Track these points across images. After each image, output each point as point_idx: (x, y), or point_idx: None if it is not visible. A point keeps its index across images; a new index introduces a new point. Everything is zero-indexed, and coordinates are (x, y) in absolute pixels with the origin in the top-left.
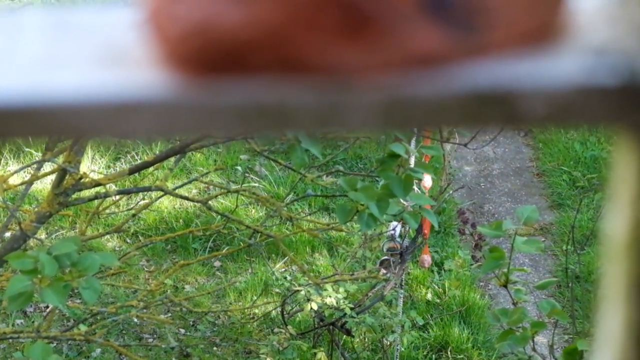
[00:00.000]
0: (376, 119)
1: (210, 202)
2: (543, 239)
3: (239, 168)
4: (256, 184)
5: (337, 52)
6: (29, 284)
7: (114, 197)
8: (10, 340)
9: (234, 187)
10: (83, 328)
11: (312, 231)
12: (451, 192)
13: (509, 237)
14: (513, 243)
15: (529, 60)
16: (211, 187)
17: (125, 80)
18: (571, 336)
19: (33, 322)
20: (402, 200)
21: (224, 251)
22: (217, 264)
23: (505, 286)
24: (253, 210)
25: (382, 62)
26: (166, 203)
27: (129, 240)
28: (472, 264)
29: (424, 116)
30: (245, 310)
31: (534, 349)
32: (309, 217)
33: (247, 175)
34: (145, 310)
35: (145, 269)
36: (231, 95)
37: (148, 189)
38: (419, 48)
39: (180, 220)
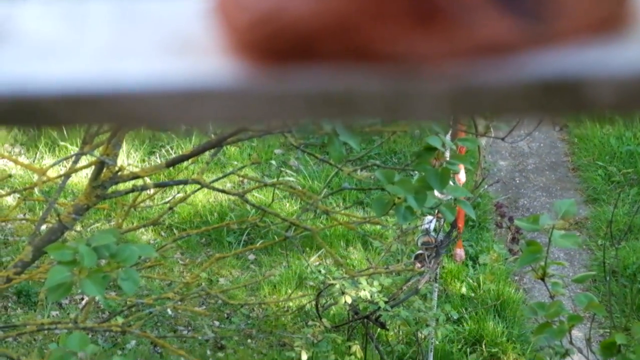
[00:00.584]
0: (444, 107)
1: (245, 195)
2: (578, 234)
3: (274, 162)
4: (291, 178)
5: (406, 41)
6: (69, 275)
7: (150, 191)
8: (46, 332)
9: (268, 181)
10: (120, 320)
11: (348, 224)
12: (486, 186)
13: (544, 232)
14: (550, 237)
15: (596, 49)
16: (246, 181)
17: (192, 69)
18: (607, 330)
19: (68, 313)
20: (437, 194)
21: (259, 244)
22: (251, 257)
23: (542, 279)
24: (287, 204)
25: (451, 51)
26: (201, 197)
27: (163, 234)
28: (507, 258)
29: (492, 104)
30: (280, 303)
31: (571, 342)
32: (344, 211)
33: (281, 169)
34: (180, 303)
35: (180, 261)
36: (298, 83)
37: (185, 182)
38: (488, 37)
39: (215, 214)
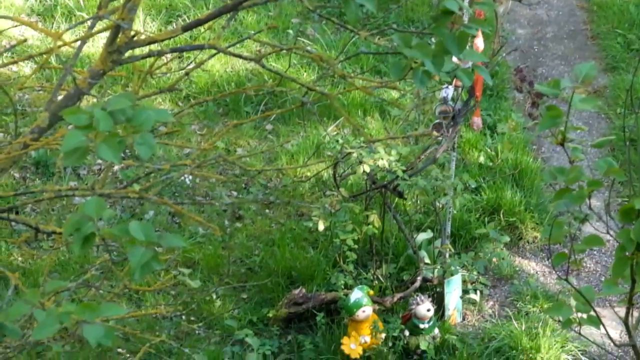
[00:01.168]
0: None
1: (262, 60)
2: (599, 102)
3: (291, 31)
4: (308, 47)
5: None
6: (84, 139)
7: (167, 57)
8: (64, 202)
9: (284, 45)
10: (136, 187)
11: (365, 88)
12: (504, 54)
13: (563, 100)
14: (571, 100)
15: None
16: (263, 49)
17: None
18: (626, 199)
19: (86, 183)
20: (454, 59)
21: (276, 111)
22: (269, 127)
23: (562, 144)
24: (305, 73)
25: None
26: (218, 66)
27: (180, 104)
28: (525, 127)
29: None
30: (298, 172)
31: (590, 208)
32: (361, 76)
33: (298, 38)
34: (198, 170)
35: (198, 132)
36: None
37: (201, 47)
38: None
39: (232, 84)
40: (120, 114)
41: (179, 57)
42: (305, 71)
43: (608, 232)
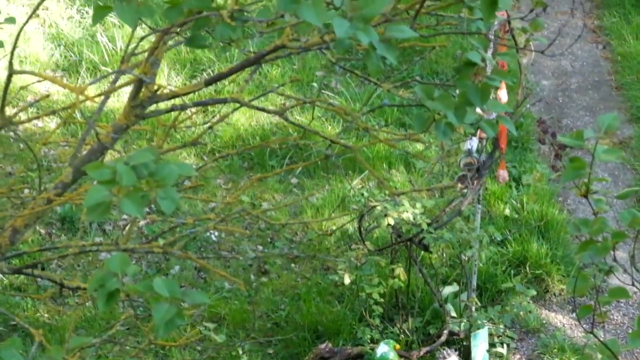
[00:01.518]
0: None
1: (285, 113)
2: (623, 153)
3: (315, 85)
4: (332, 101)
5: None
6: (107, 194)
7: (190, 111)
8: (90, 258)
9: (308, 98)
10: (161, 242)
11: (389, 141)
12: (528, 105)
13: (587, 152)
14: (594, 151)
15: None
16: (287, 102)
17: None
18: None
19: (111, 239)
20: (479, 111)
21: (301, 165)
22: (294, 181)
23: (585, 196)
24: (329, 127)
25: None
26: (242, 120)
27: (205, 158)
28: (550, 179)
29: None
30: (323, 226)
31: (614, 260)
32: (385, 129)
33: (322, 91)
34: (222, 223)
35: (223, 186)
36: None
37: (224, 101)
38: None
39: (257, 137)
40: (143, 168)
41: (204, 112)
42: (329, 124)
43: (633, 284)
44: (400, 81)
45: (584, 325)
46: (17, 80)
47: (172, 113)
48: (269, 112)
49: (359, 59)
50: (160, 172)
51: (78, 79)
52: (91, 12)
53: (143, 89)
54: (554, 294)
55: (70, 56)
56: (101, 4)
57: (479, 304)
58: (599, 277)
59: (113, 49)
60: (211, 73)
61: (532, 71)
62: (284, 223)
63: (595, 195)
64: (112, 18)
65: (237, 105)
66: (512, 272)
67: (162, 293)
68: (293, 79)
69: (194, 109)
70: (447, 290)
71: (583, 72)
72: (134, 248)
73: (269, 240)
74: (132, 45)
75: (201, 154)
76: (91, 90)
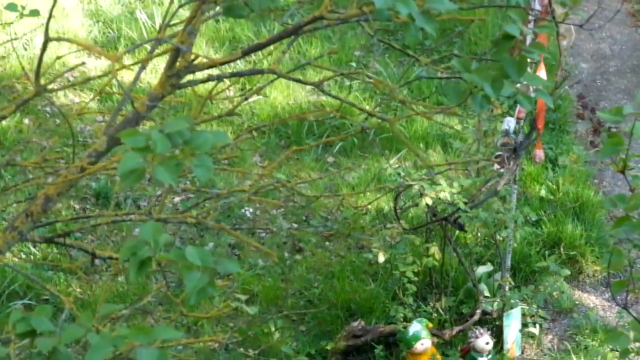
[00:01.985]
0: None
1: (322, 85)
2: None
3: (353, 64)
4: (370, 80)
5: None
6: (141, 161)
7: (227, 83)
8: (123, 232)
9: (347, 83)
10: (195, 213)
11: (426, 114)
12: (567, 87)
13: (624, 132)
14: (633, 127)
15: None
16: (325, 84)
17: None
18: None
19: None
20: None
21: (338, 138)
22: (330, 159)
23: (623, 172)
24: (366, 105)
25: None
26: (280, 98)
27: (243, 136)
28: (586, 161)
29: None
30: (358, 203)
31: None
32: (422, 102)
33: (361, 71)
34: (256, 197)
35: (259, 163)
36: None
37: (260, 72)
38: None
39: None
40: (177, 136)
41: (241, 89)
42: (366, 103)
43: None
44: (438, 54)
45: (617, 302)
46: (54, 55)
47: (209, 85)
48: (305, 83)
49: (397, 38)
50: (195, 140)
51: (117, 71)
52: None
53: (179, 59)
54: (588, 275)
55: (109, 33)
56: None
57: (513, 284)
58: (634, 253)
59: (152, 26)
60: (251, 60)
61: (571, 54)
62: (319, 195)
63: (632, 171)
64: None
65: (274, 77)
66: (547, 252)
67: (194, 262)
68: (331, 52)
69: (229, 81)
70: (481, 269)
71: (622, 56)
72: (167, 218)
73: (303, 218)
74: (171, 13)
75: (238, 131)
76: (128, 62)
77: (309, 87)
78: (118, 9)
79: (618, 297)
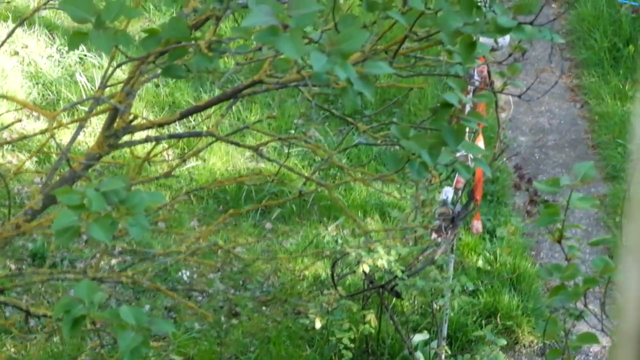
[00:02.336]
0: None
1: (260, 149)
2: (596, 211)
3: (293, 132)
4: (309, 146)
5: None
6: (76, 219)
7: (164, 145)
8: (60, 294)
9: (285, 150)
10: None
11: (364, 179)
12: (505, 159)
13: (564, 196)
14: (569, 198)
15: None
16: (264, 147)
17: None
18: None
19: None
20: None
21: (277, 204)
22: (268, 226)
23: (559, 242)
24: (305, 172)
25: None
26: (219, 164)
27: (179, 197)
28: (524, 233)
29: None
30: (295, 271)
31: (585, 305)
32: (360, 169)
33: (299, 136)
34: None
35: (196, 228)
36: None
37: (199, 134)
38: None
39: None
40: (113, 195)
41: (180, 155)
42: (305, 170)
43: (603, 330)
44: (377, 122)
45: None
46: None
47: (148, 147)
48: (244, 147)
49: (337, 107)
50: (130, 200)
51: (54, 129)
52: (71, 52)
53: (118, 119)
54: (524, 346)
55: (48, 95)
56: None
57: (449, 352)
58: (569, 322)
59: (92, 89)
60: (189, 117)
61: (510, 127)
62: (255, 258)
63: (568, 241)
64: (91, 58)
65: (213, 140)
66: (483, 322)
67: (128, 321)
68: (270, 117)
69: (169, 145)
70: (418, 338)
71: (560, 130)
72: (102, 277)
73: (240, 282)
74: (110, 71)
75: (176, 195)
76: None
77: (247, 154)
78: (58, 71)
79: None
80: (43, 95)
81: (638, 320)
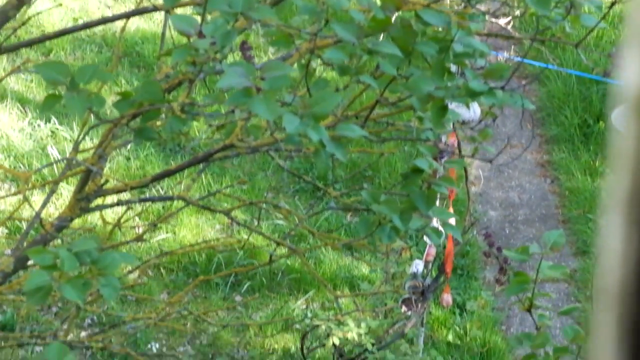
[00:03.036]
0: None
1: (231, 213)
2: (567, 286)
3: (264, 205)
4: (280, 221)
5: None
6: (48, 279)
7: (136, 211)
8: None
9: (255, 221)
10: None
11: (333, 244)
12: (475, 232)
13: (533, 268)
14: (539, 265)
15: None
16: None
17: None
18: None
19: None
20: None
21: (248, 268)
22: (238, 298)
23: (529, 310)
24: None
25: None
26: (189, 237)
27: (151, 273)
28: (494, 307)
29: None
30: (265, 344)
31: None
32: (330, 234)
33: (270, 212)
34: (161, 329)
35: (167, 299)
36: None
37: (170, 198)
38: None
39: (203, 255)
40: (85, 255)
41: (154, 227)
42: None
43: None
44: (347, 196)
45: None
46: None
47: (118, 213)
48: (215, 211)
49: (307, 181)
50: (102, 260)
51: (27, 190)
52: (42, 125)
53: (89, 183)
54: None
55: (20, 167)
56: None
57: None
58: None
59: (64, 161)
60: (160, 190)
61: (480, 201)
62: (225, 325)
63: (538, 310)
64: (63, 132)
65: (184, 205)
66: None
67: None
68: (240, 182)
69: (141, 210)
70: None
71: (530, 205)
72: (72, 341)
73: (210, 356)
74: (84, 133)
75: (146, 268)
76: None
77: (218, 226)
78: (30, 144)
79: None
80: (15, 168)
81: (620, 278)
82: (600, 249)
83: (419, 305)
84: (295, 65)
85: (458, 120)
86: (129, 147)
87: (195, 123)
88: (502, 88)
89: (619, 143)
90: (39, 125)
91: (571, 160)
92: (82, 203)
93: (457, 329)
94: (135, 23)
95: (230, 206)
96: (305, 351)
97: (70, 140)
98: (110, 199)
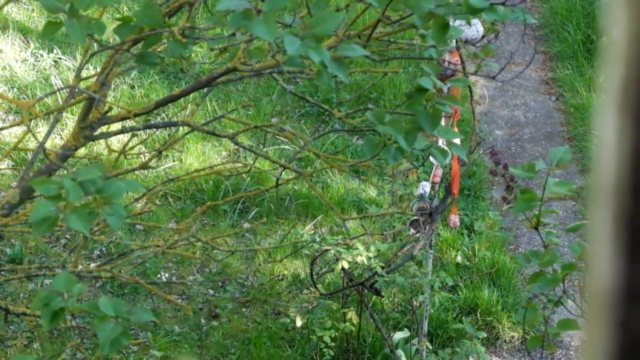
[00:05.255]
0: None
1: (236, 137)
2: (574, 203)
3: (270, 129)
4: (286, 146)
5: None
6: (53, 209)
7: (141, 138)
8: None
9: (262, 147)
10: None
11: (340, 166)
12: (481, 152)
13: (540, 187)
14: (546, 182)
15: None
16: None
17: None
18: None
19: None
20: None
21: (255, 192)
22: (246, 225)
23: (536, 228)
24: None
25: None
26: (195, 165)
27: (158, 202)
28: (502, 227)
29: None
30: (275, 271)
31: (564, 291)
32: (335, 156)
33: (276, 136)
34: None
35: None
36: None
37: (174, 124)
38: None
39: (210, 182)
40: (90, 184)
41: (159, 153)
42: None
43: (583, 316)
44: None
45: (535, 357)
46: None
47: (122, 140)
48: (219, 135)
49: (313, 103)
50: (107, 189)
51: (31, 121)
52: (45, 55)
53: (93, 111)
54: (505, 341)
55: (24, 98)
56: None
57: (430, 348)
58: (548, 309)
59: (67, 92)
60: (165, 117)
61: (486, 121)
62: (234, 251)
63: (546, 227)
64: (66, 61)
65: (189, 130)
66: (463, 318)
67: (107, 312)
68: (245, 104)
69: (143, 140)
70: (398, 335)
71: (536, 123)
72: (80, 271)
73: (219, 284)
74: (86, 59)
75: (153, 197)
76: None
77: (224, 153)
78: (33, 75)
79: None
80: (18, 99)
81: (616, 170)
82: (596, 143)
83: (427, 227)
84: None
85: (461, 39)
86: (132, 75)
87: (198, 49)
88: (503, 4)
89: (613, 35)
90: (41, 56)
91: (575, 77)
92: (86, 131)
93: (466, 249)
94: None
95: (235, 129)
96: (314, 276)
97: (74, 70)
98: (115, 127)
